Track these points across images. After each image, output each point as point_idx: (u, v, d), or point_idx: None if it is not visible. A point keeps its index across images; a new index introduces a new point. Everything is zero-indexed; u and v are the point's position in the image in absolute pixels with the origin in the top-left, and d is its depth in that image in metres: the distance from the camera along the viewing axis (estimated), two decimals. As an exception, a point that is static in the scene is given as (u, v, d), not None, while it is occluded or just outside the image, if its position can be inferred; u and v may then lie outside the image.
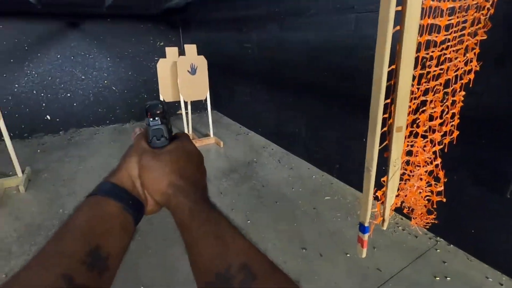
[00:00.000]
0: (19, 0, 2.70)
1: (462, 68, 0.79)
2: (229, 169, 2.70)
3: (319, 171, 2.60)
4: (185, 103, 3.15)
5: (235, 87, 3.89)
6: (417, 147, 0.79)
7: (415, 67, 0.63)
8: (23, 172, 2.45)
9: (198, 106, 4.27)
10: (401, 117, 0.66)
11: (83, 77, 3.90)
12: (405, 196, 0.86)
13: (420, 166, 0.83)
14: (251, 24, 3.15)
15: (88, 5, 3.35)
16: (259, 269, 0.27)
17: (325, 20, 2.18)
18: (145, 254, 1.65)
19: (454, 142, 0.83)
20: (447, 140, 0.83)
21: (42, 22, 3.53)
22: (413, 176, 0.83)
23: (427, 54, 0.69)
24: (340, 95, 2.23)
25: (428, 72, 0.72)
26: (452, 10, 0.67)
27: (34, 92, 3.64)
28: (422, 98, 0.74)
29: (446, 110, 0.81)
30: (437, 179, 0.86)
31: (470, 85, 0.81)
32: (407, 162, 0.81)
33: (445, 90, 0.78)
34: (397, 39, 0.58)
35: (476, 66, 0.81)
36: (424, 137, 0.79)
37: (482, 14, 0.74)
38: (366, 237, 0.75)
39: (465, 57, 0.78)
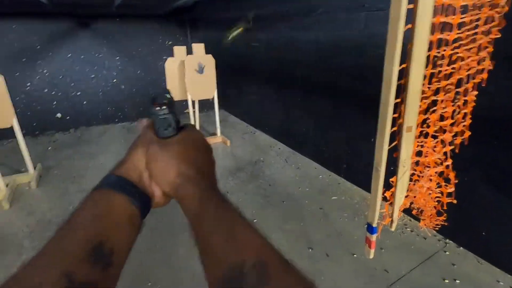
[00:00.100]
0: (31, 0, 2.75)
1: (474, 67, 0.77)
2: (236, 168, 2.71)
3: (326, 170, 2.59)
4: (193, 102, 3.17)
5: (243, 86, 3.89)
6: (427, 147, 0.78)
7: (426, 66, 0.62)
8: (34, 168, 2.51)
9: (205, 105, 4.29)
10: (411, 117, 0.65)
11: (93, 76, 3.96)
12: (414, 197, 0.85)
13: (430, 167, 0.81)
14: (259, 23, 3.14)
15: (98, 5, 3.40)
16: (274, 268, 0.25)
17: (334, 18, 2.16)
18: (152, 251, 1.67)
19: (466, 143, 0.82)
20: (458, 140, 0.81)
21: (54, 22, 3.59)
22: (422, 177, 0.82)
23: (439, 52, 0.67)
24: (349, 94, 2.21)
25: (440, 71, 0.71)
26: (465, 8, 0.66)
27: (46, 90, 3.71)
28: (433, 97, 0.73)
29: (458, 110, 0.79)
30: (447, 180, 0.84)
31: (483, 85, 0.79)
32: (417, 163, 0.80)
33: (457, 89, 0.76)
34: (408, 37, 0.57)
35: (489, 65, 0.79)
36: (434, 137, 0.78)
37: (497, 11, 0.73)
38: (374, 237, 0.74)
39: (478, 56, 0.77)
